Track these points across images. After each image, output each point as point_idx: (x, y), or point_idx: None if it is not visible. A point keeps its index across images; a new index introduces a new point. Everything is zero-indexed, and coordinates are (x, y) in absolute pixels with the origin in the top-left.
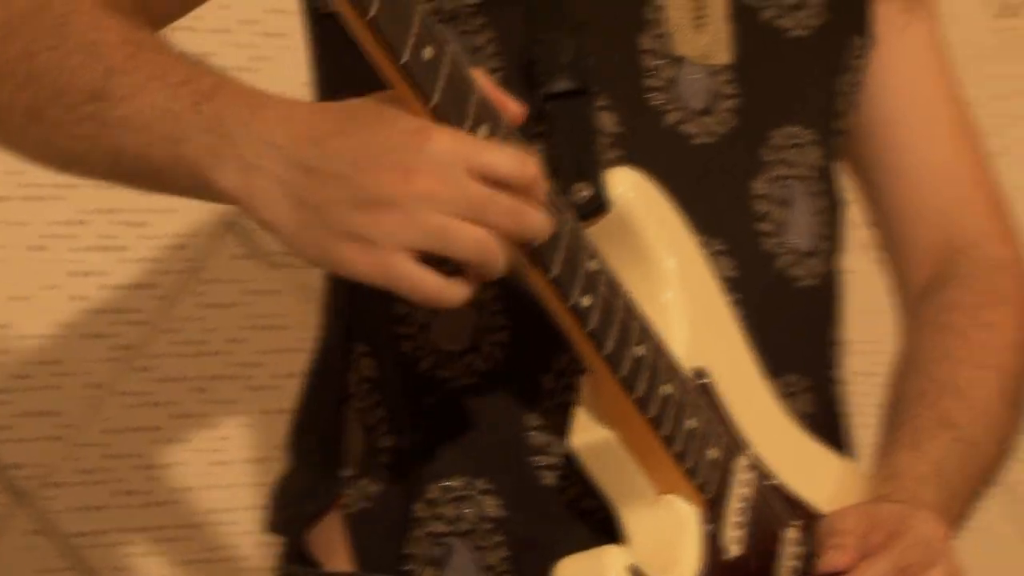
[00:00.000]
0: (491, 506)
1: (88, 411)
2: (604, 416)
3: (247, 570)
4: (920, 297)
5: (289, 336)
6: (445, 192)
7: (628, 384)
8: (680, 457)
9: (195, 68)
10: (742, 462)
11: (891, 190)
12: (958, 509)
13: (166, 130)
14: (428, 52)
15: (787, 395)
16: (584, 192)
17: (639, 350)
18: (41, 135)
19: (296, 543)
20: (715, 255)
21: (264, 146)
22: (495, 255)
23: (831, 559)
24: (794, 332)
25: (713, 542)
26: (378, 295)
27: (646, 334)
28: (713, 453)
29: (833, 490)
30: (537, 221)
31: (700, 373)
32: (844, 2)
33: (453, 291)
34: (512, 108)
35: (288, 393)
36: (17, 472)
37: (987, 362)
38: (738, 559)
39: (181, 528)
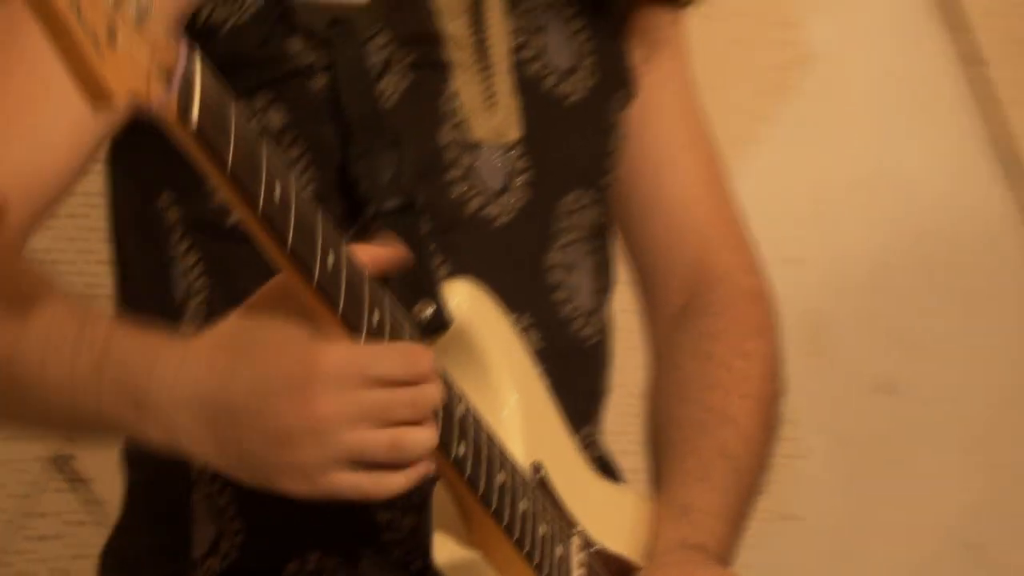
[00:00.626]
0: None
1: None
2: (466, 534)
3: None
4: (675, 324)
5: None
6: (346, 410)
7: (498, 514)
8: (539, 567)
9: (82, 321)
10: (575, 545)
11: (646, 224)
12: (739, 534)
13: (78, 402)
14: (331, 260)
15: (586, 446)
16: (426, 311)
17: (502, 477)
18: None
19: None
20: (525, 330)
21: (172, 407)
22: (413, 445)
23: None
24: (588, 389)
25: None
26: None
27: (504, 460)
28: (559, 551)
29: (637, 531)
30: (435, 401)
31: (536, 467)
32: (609, 59)
33: (391, 483)
34: (392, 256)
35: None
36: None
37: (750, 391)
38: None
39: None
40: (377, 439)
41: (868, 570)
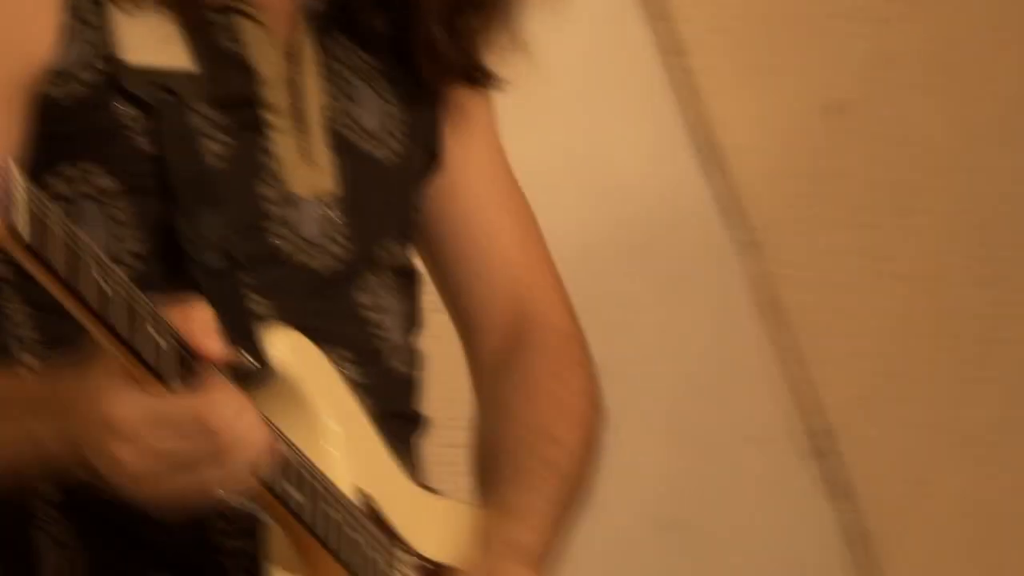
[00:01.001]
0: None
1: None
2: (297, 559)
3: None
4: (496, 363)
5: None
6: (144, 461)
7: (328, 544)
8: None
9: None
10: (404, 560)
11: (465, 274)
12: (562, 531)
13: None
14: (157, 340)
15: (411, 468)
16: (250, 363)
17: (332, 512)
18: None
19: None
20: (344, 365)
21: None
22: (227, 485)
23: None
24: (406, 416)
25: None
26: None
27: (331, 492)
28: (391, 572)
29: (465, 540)
30: (238, 447)
31: (364, 496)
32: (418, 128)
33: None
34: (211, 352)
35: None
36: None
37: (571, 414)
38: None
39: None
40: (184, 481)
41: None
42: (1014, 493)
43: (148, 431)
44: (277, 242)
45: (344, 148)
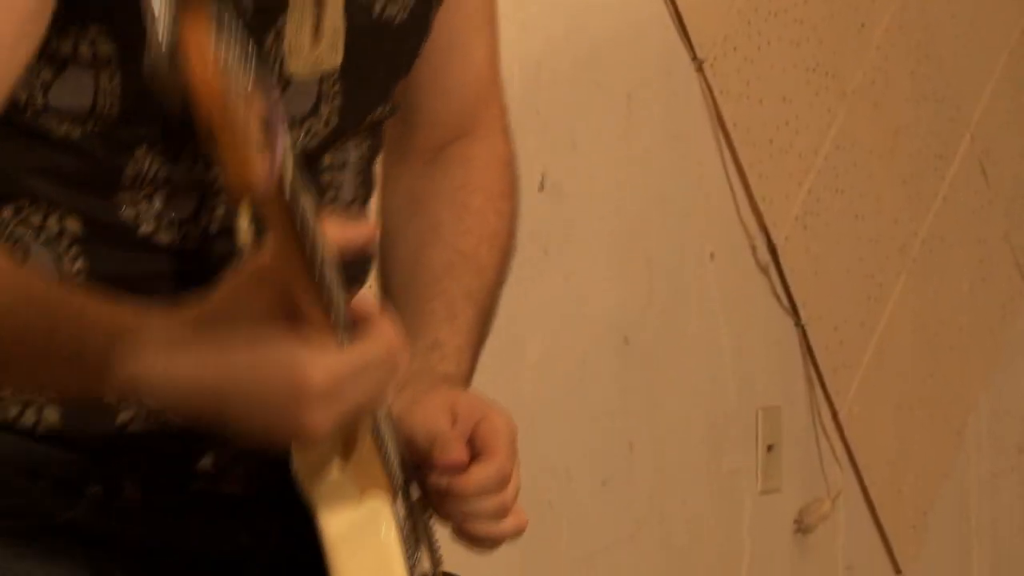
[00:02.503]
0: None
1: None
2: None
3: None
4: (432, 165)
5: None
6: (334, 420)
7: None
8: (386, 465)
9: (77, 343)
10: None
11: (428, 69)
12: (473, 371)
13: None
14: (321, 255)
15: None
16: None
17: None
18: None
19: None
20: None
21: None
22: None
23: (450, 454)
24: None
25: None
26: None
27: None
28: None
29: None
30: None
31: None
32: None
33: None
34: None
35: None
36: None
37: (498, 245)
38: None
39: None
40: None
41: (528, 366)
42: (949, 303)
43: (346, 386)
44: None
45: (358, 15)
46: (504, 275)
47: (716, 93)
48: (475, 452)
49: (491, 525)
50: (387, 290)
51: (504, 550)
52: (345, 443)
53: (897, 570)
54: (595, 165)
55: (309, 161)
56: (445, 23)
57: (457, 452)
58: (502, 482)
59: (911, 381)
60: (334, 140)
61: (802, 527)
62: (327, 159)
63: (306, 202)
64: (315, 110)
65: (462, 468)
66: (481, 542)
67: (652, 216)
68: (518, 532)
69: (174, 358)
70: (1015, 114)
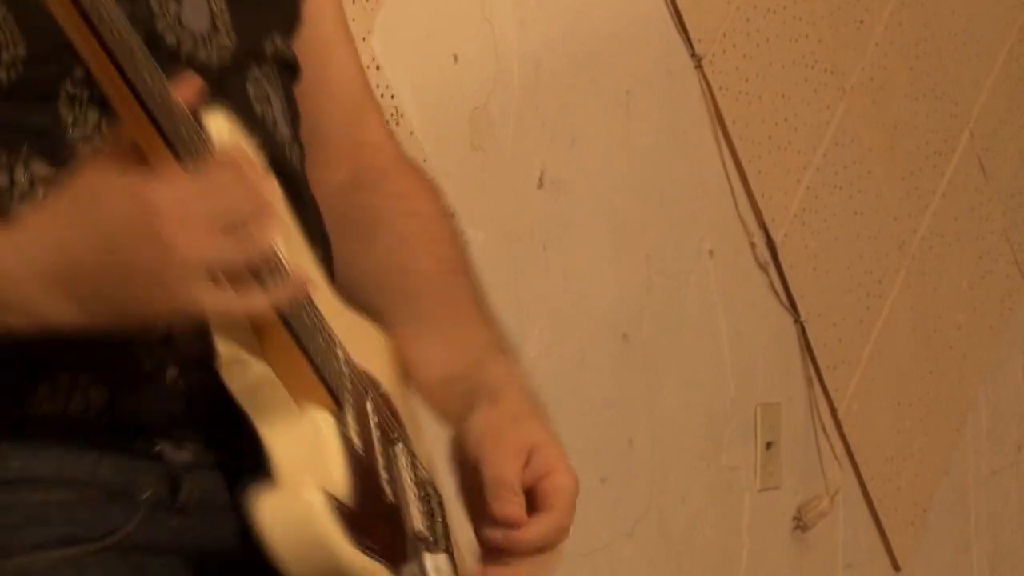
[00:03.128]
0: (98, 394)
1: None
2: (248, 338)
3: None
4: (343, 197)
5: None
6: (194, 232)
7: (286, 322)
8: (321, 372)
9: None
10: (340, 356)
11: (313, 99)
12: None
13: None
14: (158, 88)
15: (322, 262)
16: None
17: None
18: None
19: None
20: (257, 151)
21: (27, 298)
22: (261, 236)
23: (510, 515)
24: (303, 211)
25: (347, 440)
26: None
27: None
28: (335, 363)
29: (382, 358)
30: (273, 194)
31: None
32: None
33: (253, 299)
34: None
35: None
36: None
37: (439, 236)
38: (362, 449)
39: None
40: (230, 244)
41: (527, 360)
42: (948, 300)
43: (196, 206)
44: (170, 39)
45: None
46: (447, 221)
47: (715, 90)
48: (535, 505)
49: (545, 558)
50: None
51: None
52: (258, 334)
53: (896, 567)
54: (594, 162)
55: (231, 85)
56: (314, 35)
57: (517, 512)
58: (558, 538)
59: (910, 378)
60: (243, 61)
61: (801, 524)
62: (250, 89)
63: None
64: (213, 26)
65: (518, 526)
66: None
67: (651, 212)
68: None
69: (27, 253)
70: (1014, 111)
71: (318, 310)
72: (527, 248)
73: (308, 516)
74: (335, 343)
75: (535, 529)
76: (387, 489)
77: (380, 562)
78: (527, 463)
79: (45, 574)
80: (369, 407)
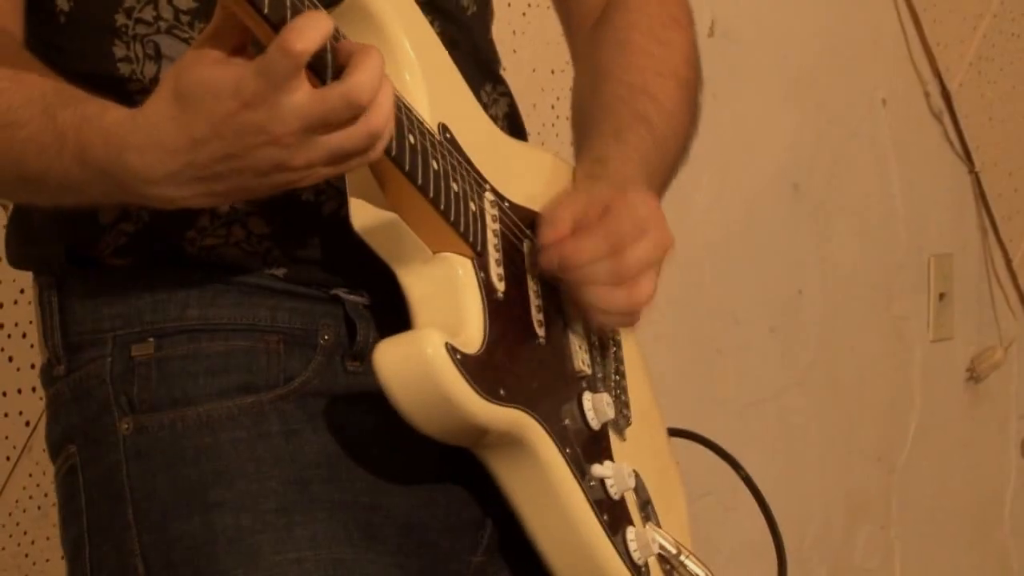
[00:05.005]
0: (258, 225)
1: None
2: (377, 193)
3: None
4: (593, 27)
5: None
6: (313, 155)
7: (412, 174)
8: (454, 220)
9: (53, 112)
10: (487, 200)
11: None
12: (656, 189)
13: (68, 185)
14: None
15: (489, 105)
16: None
17: (411, 138)
18: None
19: (57, 263)
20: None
21: (158, 189)
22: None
23: (544, 234)
24: (481, 50)
25: (488, 287)
26: None
27: (412, 120)
28: (472, 207)
29: (548, 186)
30: (386, 122)
31: (443, 128)
32: None
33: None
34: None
35: None
36: None
37: (669, 72)
38: (505, 293)
39: None
40: (348, 141)
41: (697, 210)
42: None
43: (304, 132)
44: None
45: None
46: (685, 99)
47: None
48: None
49: (603, 291)
50: (575, 152)
51: (671, 397)
52: (380, 183)
53: None
54: (766, 10)
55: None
56: None
57: (555, 229)
58: (610, 249)
59: None
60: None
61: (974, 375)
62: None
63: None
64: None
65: (560, 240)
66: (596, 312)
67: (823, 61)
68: (633, 303)
69: (165, 150)
70: None
71: (456, 153)
72: None
73: (426, 367)
74: (480, 185)
75: (581, 238)
76: (540, 331)
77: (518, 408)
78: (588, 207)
79: (225, 422)
80: (526, 247)
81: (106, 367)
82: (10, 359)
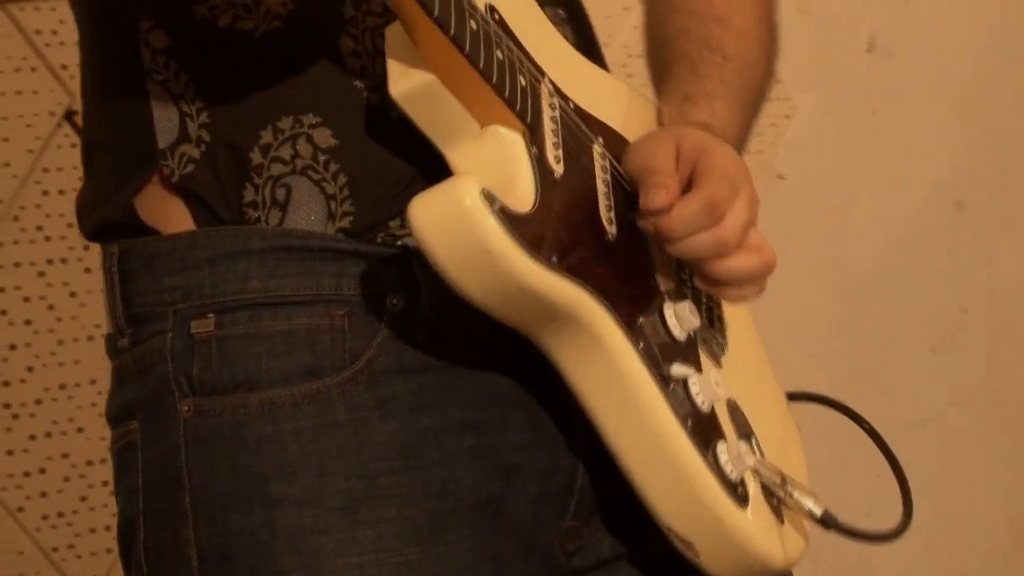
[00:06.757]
0: (323, 138)
1: None
2: (419, 60)
3: None
4: None
5: None
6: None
7: (443, 23)
8: (498, 87)
9: None
10: (545, 87)
11: None
12: (745, 124)
13: None
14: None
15: (555, 24)
16: None
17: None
18: None
19: (123, 223)
20: None
21: None
22: None
23: (654, 199)
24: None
25: (542, 162)
26: None
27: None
28: (522, 81)
29: (623, 110)
30: None
31: (491, 9)
32: None
33: None
34: None
35: None
36: None
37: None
38: (563, 176)
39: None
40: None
41: (856, 227)
42: None
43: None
44: None
45: None
46: (759, 14)
47: None
48: (688, 187)
49: (714, 264)
50: (655, 86)
51: (824, 415)
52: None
53: None
54: (927, 24)
55: None
56: None
57: (661, 196)
58: (711, 215)
59: None
60: None
61: None
62: None
63: None
64: None
65: (666, 210)
66: (713, 284)
67: (987, 75)
68: (750, 271)
69: None
70: None
71: (505, 35)
72: (856, 113)
73: (463, 215)
74: (536, 70)
75: (679, 208)
76: (610, 228)
77: (576, 282)
78: (678, 157)
79: (288, 410)
80: (597, 148)
81: (167, 343)
82: None
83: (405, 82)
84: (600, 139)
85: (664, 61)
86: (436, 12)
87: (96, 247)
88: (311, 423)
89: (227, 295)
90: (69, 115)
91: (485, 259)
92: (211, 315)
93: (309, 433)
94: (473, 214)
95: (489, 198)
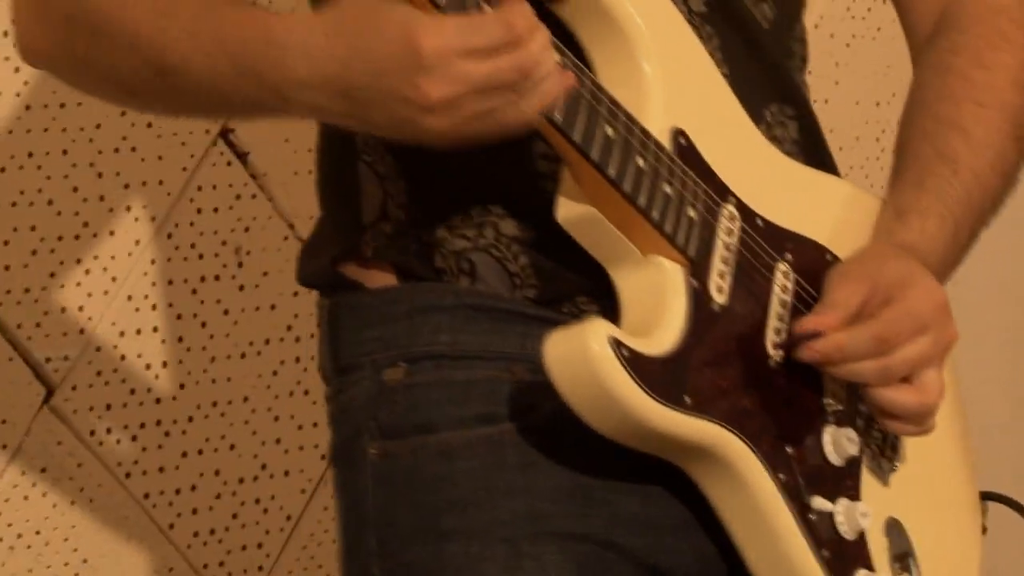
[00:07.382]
0: (508, 227)
1: None
2: (584, 194)
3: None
4: (925, 44)
5: None
6: (455, 90)
7: (601, 165)
8: (659, 224)
9: (219, 18)
10: (725, 212)
11: None
12: (964, 239)
13: (223, 96)
14: None
15: (776, 124)
16: None
17: (608, 131)
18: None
19: (331, 281)
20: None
21: (308, 95)
22: (526, 103)
23: (811, 320)
24: (767, 73)
25: (699, 295)
26: None
27: (614, 113)
28: (691, 213)
29: (836, 216)
30: (540, 58)
31: (678, 133)
32: None
33: (526, 104)
34: None
35: None
36: None
37: (989, 100)
38: (724, 307)
39: None
40: (490, 104)
41: None
42: None
43: (457, 57)
44: None
45: None
46: (1005, 129)
47: None
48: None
49: (873, 392)
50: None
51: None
52: (579, 182)
53: None
54: None
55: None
56: None
57: (820, 321)
58: (877, 348)
59: None
60: None
61: None
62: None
63: None
64: None
65: (807, 335)
66: (874, 410)
67: None
68: (906, 406)
69: (312, 59)
70: None
71: (682, 159)
72: None
73: (588, 361)
74: (718, 195)
75: (839, 336)
76: (772, 351)
77: (711, 420)
78: (873, 290)
79: (461, 451)
80: (780, 269)
81: (362, 391)
82: (306, 392)
83: (568, 209)
84: (789, 256)
85: (897, 163)
86: (594, 156)
87: (249, 266)
88: (480, 462)
89: (418, 345)
90: (224, 133)
91: (610, 404)
92: (402, 364)
93: (479, 471)
94: (599, 360)
95: (616, 345)
